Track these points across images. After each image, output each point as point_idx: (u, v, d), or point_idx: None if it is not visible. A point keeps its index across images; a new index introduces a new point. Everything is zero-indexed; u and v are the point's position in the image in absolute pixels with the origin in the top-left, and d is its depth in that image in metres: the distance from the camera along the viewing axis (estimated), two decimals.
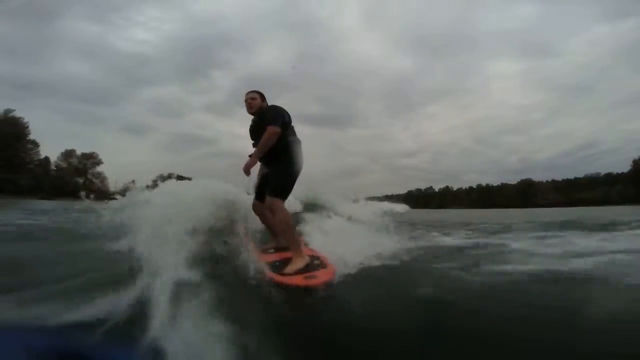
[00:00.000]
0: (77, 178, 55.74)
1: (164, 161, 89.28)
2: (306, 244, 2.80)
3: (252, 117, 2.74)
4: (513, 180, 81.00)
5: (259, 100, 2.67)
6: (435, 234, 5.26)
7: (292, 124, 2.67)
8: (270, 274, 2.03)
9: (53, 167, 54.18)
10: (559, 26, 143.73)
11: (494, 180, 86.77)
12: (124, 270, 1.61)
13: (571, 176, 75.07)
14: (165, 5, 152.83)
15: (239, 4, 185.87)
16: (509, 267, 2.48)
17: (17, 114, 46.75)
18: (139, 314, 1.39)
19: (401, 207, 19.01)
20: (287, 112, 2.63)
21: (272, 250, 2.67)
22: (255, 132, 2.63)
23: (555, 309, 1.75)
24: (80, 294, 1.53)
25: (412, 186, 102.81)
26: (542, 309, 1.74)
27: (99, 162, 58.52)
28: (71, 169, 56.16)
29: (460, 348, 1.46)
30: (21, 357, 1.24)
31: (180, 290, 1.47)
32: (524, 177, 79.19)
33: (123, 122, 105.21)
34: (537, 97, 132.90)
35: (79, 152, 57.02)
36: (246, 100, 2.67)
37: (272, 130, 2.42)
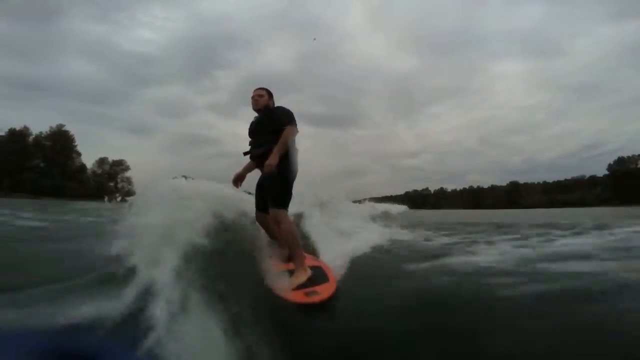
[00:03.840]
0: (109, 183, 63.55)
1: (168, 161, 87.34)
2: (314, 255, 2.65)
3: (255, 115, 2.59)
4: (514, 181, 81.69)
5: (266, 98, 2.54)
6: None
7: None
8: (276, 285, 1.92)
9: (89, 173, 61.81)
10: (565, 26, 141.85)
11: (499, 181, 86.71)
12: (124, 269, 1.57)
13: (575, 177, 76.10)
14: (171, 4, 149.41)
15: (244, 4, 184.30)
16: None
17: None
18: (139, 313, 1.34)
19: (399, 208, 18.52)
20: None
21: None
22: (257, 130, 2.50)
23: None
24: (80, 293, 1.51)
25: (413, 187, 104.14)
26: None
27: (127, 168, 64.56)
28: (104, 175, 63.70)
29: None
30: (20, 358, 1.22)
31: (180, 290, 1.43)
32: (527, 177, 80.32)
33: (127, 122, 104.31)
34: (541, 97, 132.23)
35: (110, 159, 63.39)
36: (253, 97, 2.53)
37: (293, 130, 2.33)
